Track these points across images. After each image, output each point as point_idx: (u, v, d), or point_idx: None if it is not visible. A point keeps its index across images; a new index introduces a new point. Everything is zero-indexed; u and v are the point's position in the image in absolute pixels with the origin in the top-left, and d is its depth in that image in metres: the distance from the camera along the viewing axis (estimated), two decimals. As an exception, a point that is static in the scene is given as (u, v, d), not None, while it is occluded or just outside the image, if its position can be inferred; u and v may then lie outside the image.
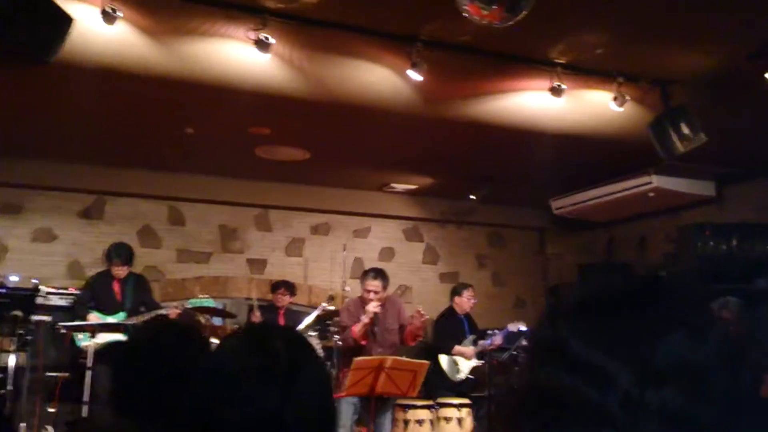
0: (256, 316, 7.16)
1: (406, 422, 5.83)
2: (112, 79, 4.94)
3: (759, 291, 6.65)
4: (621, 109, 5.10)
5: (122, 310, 6.41)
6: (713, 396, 0.72)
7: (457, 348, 6.98)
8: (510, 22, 3.45)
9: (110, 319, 6.31)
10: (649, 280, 0.81)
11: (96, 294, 6.50)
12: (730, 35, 4.47)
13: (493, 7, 3.29)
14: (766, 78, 4.48)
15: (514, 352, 6.45)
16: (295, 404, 1.18)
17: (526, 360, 0.83)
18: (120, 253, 6.51)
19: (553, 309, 0.81)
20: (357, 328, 5.25)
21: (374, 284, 5.36)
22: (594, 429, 0.70)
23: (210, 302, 6.48)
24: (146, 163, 7.60)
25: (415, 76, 4.68)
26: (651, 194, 7.17)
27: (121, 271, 6.47)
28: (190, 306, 6.35)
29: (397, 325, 5.47)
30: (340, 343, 5.24)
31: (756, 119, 5.62)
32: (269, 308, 7.56)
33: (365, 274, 5.51)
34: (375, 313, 5.26)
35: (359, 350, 5.14)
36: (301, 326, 6.47)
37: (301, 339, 1.35)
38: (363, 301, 5.40)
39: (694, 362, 0.72)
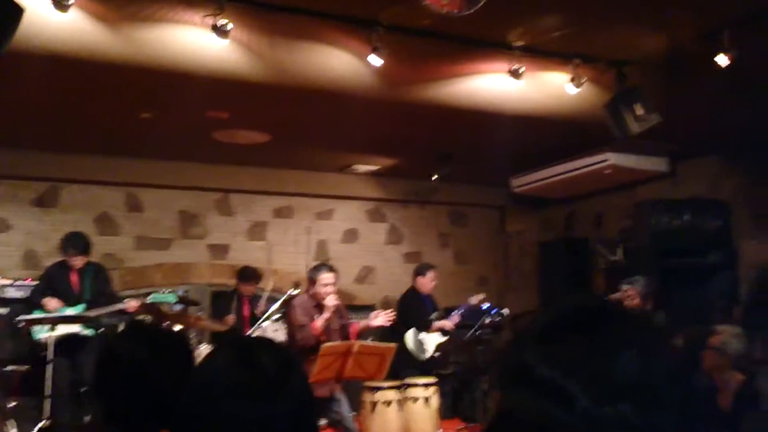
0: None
1: (374, 404, 5.89)
2: (65, 66, 4.82)
3: (711, 264, 6.89)
4: (578, 90, 5.18)
5: (81, 302, 6.25)
6: (665, 408, 0.79)
7: (436, 324, 7.00)
8: (469, 11, 3.47)
9: (69, 311, 6.17)
10: (605, 304, 0.89)
11: (53, 285, 6.32)
12: (681, 17, 4.57)
13: (453, -5, 3.30)
14: (715, 61, 4.59)
15: (478, 332, 6.56)
16: (282, 416, 1.22)
17: (496, 386, 0.89)
18: (75, 243, 6.32)
19: (518, 336, 0.88)
20: (319, 324, 5.12)
21: (330, 277, 5.24)
22: None
23: (172, 297, 6.29)
24: (102, 149, 7.45)
25: (377, 60, 4.68)
26: (607, 171, 7.31)
27: (78, 262, 6.30)
28: (150, 301, 6.23)
29: (339, 325, 5.36)
30: (301, 343, 5.08)
31: (707, 98, 5.76)
32: (232, 295, 7.48)
33: (317, 269, 5.36)
34: (336, 306, 5.19)
35: (316, 349, 4.94)
36: (269, 313, 6.45)
37: (285, 353, 1.38)
38: (314, 297, 5.27)
39: (645, 378, 0.79)
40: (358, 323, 5.49)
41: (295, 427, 1.24)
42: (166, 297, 6.28)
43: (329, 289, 5.21)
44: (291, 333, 5.28)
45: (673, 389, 0.81)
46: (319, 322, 5.14)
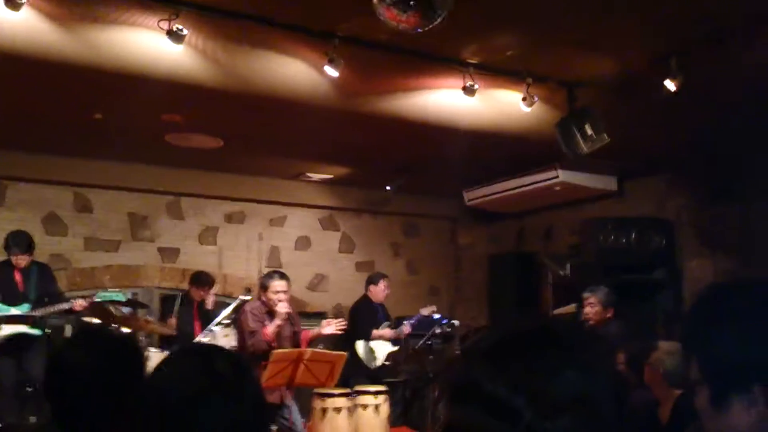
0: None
1: (324, 410, 5.91)
2: (16, 65, 4.73)
3: (655, 281, 7.09)
4: (530, 109, 5.29)
5: (26, 302, 6.16)
6: (605, 422, 0.84)
7: (376, 332, 7.09)
8: (425, 28, 3.53)
9: (14, 311, 6.08)
10: (549, 324, 0.94)
11: None
12: (631, 43, 4.72)
13: (409, 13, 3.36)
14: (664, 85, 4.74)
15: (429, 341, 6.63)
16: (244, 415, 1.28)
17: (444, 400, 0.93)
18: (18, 241, 6.21)
19: (466, 354, 0.93)
20: (270, 330, 5.14)
21: (282, 284, 5.25)
22: None
23: (119, 296, 6.28)
24: (50, 148, 7.30)
25: (332, 71, 4.71)
26: (557, 188, 7.48)
27: (21, 261, 6.20)
28: (98, 299, 6.18)
29: (291, 332, 5.38)
30: (252, 349, 5.09)
31: (655, 119, 5.95)
32: (184, 300, 7.39)
33: (270, 276, 5.37)
34: (288, 314, 5.21)
35: (267, 355, 4.96)
36: (219, 318, 6.42)
37: (240, 359, 1.44)
38: (266, 304, 5.28)
39: (585, 394, 0.83)
40: (310, 331, 5.50)
41: (253, 426, 1.29)
42: (113, 295, 6.22)
43: (281, 296, 5.22)
44: (242, 339, 5.26)
45: (613, 405, 0.85)
46: (270, 328, 5.16)
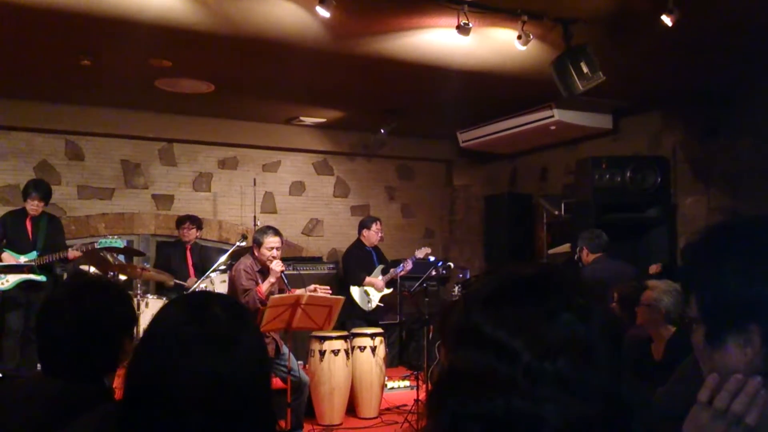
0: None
1: (322, 353, 6.01)
2: (2, 10, 4.62)
3: (650, 219, 7.12)
4: (525, 48, 5.19)
5: (34, 250, 6.32)
6: (597, 363, 0.87)
7: (368, 279, 7.16)
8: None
9: (23, 259, 6.25)
10: (545, 270, 0.96)
11: (8, 232, 6.37)
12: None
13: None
14: (662, 20, 4.66)
15: (424, 284, 6.69)
16: (235, 369, 1.24)
17: (445, 344, 0.96)
18: (39, 187, 6.42)
19: (467, 299, 0.95)
20: (264, 288, 5.06)
21: (276, 241, 5.15)
22: (504, 396, 0.84)
23: (119, 243, 6.38)
24: (40, 96, 7.21)
25: (323, 12, 4.60)
26: (552, 127, 7.43)
27: (37, 207, 6.37)
28: (99, 246, 6.23)
29: (278, 290, 5.31)
30: (246, 307, 5.09)
31: (650, 56, 5.87)
32: (176, 244, 7.48)
33: (263, 232, 5.23)
34: (281, 271, 5.11)
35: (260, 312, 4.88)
36: (216, 264, 6.43)
37: (238, 305, 1.41)
38: (259, 260, 5.20)
39: (580, 337, 0.87)
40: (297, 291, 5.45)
41: (248, 379, 1.26)
42: (113, 242, 6.34)
43: (275, 252, 5.14)
44: (233, 296, 5.23)
45: (607, 346, 0.88)
46: (265, 286, 5.08)
